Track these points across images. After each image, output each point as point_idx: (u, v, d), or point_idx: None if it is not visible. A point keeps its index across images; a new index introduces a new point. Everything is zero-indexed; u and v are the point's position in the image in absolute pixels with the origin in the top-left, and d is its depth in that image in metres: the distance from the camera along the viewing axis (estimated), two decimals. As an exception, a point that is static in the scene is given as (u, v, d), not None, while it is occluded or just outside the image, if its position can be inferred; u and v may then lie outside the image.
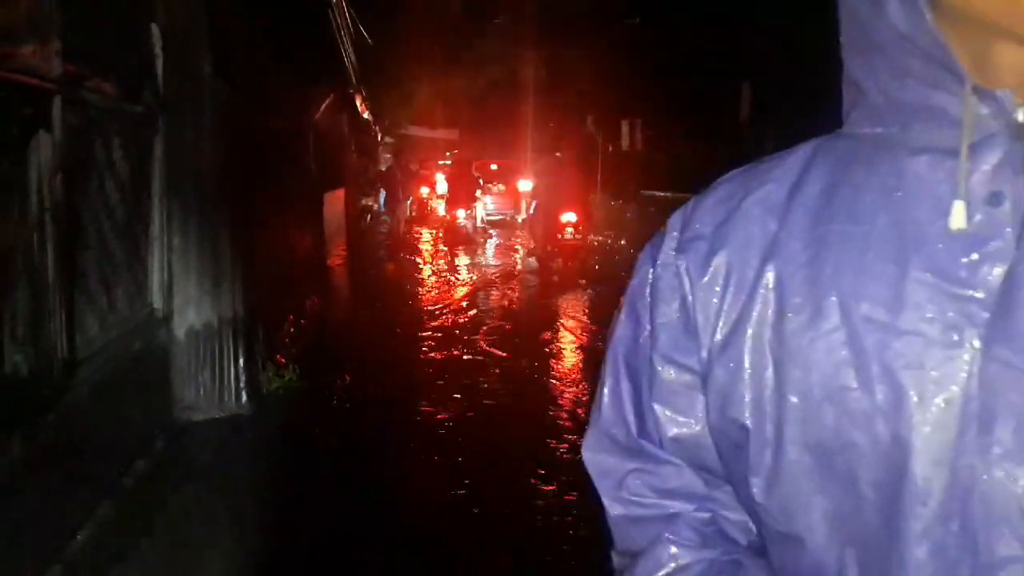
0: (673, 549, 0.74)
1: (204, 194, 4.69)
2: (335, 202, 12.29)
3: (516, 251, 13.28)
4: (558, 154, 13.59)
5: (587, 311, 8.64)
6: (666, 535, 0.75)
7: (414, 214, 18.76)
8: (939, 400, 0.56)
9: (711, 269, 0.69)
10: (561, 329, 7.87)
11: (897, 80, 0.61)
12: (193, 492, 3.89)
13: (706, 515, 0.75)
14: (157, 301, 4.55)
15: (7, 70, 2.89)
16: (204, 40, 4.68)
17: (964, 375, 0.55)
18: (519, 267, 11.77)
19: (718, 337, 0.68)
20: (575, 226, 10.91)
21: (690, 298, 0.70)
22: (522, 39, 20.87)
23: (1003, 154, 0.56)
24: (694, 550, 0.74)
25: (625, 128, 20.16)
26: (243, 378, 4.90)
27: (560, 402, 5.42)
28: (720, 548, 0.74)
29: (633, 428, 0.77)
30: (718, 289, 0.69)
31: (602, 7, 17.38)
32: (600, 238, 15.53)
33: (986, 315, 0.55)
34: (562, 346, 7.22)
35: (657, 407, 0.74)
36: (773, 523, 0.66)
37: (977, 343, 0.55)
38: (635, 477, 0.76)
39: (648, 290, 0.75)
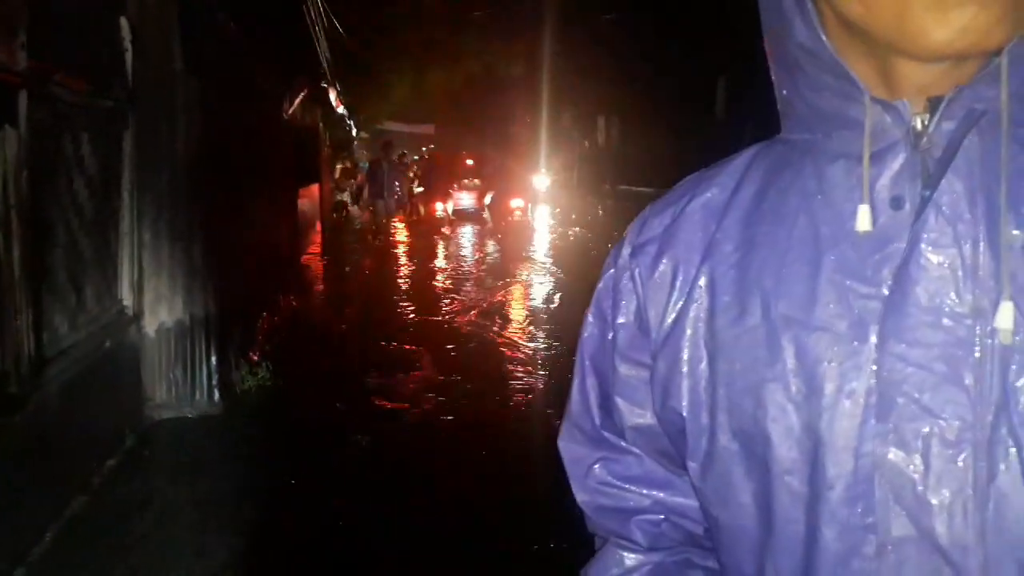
0: (621, 553, 0.82)
1: (175, 189, 4.64)
2: (309, 196, 12.22)
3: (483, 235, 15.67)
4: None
5: (529, 273, 11.52)
6: (616, 538, 0.83)
7: (411, 212, 17.68)
8: (845, 392, 0.59)
9: (659, 270, 0.74)
10: (513, 283, 10.37)
11: (815, 92, 0.64)
12: (163, 491, 3.86)
13: (658, 516, 0.81)
14: (127, 298, 4.50)
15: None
16: (175, 33, 4.62)
17: (867, 368, 0.59)
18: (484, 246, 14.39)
19: (662, 333, 0.73)
20: (522, 210, 14.80)
21: (642, 299, 0.75)
22: (499, 34, 20.83)
23: (904, 160, 0.61)
24: (642, 553, 0.81)
25: (601, 123, 20.20)
26: (215, 376, 4.86)
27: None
28: (668, 549, 0.81)
29: (598, 420, 0.82)
30: (665, 289, 0.73)
31: (579, 3, 17.38)
32: (576, 230, 15.61)
33: (883, 311, 0.59)
34: (512, 298, 9.38)
35: (619, 400, 0.79)
36: (708, 506, 0.71)
37: (875, 338, 0.59)
38: (600, 466, 0.83)
39: (610, 293, 0.79)
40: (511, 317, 8.21)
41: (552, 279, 10.83)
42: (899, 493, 0.58)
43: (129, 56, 4.42)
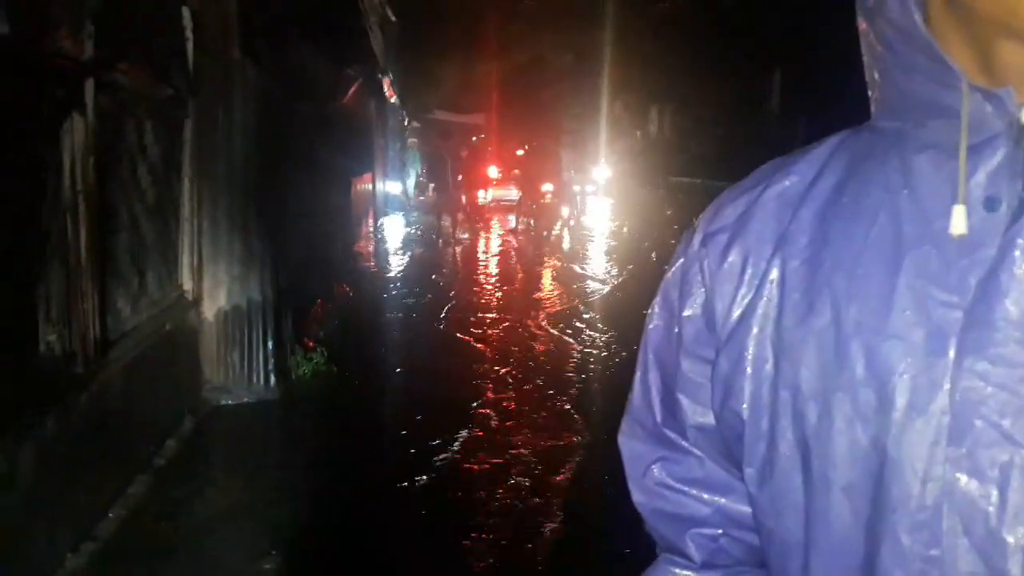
0: (673, 571, 0.79)
1: (233, 177, 4.72)
2: (363, 186, 12.33)
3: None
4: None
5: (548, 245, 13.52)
6: (669, 553, 0.80)
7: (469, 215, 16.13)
8: (918, 408, 0.55)
9: (728, 261, 0.70)
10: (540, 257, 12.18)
11: (907, 75, 0.60)
12: (222, 473, 3.94)
13: (716, 531, 0.77)
14: (187, 283, 4.59)
15: (40, 53, 2.92)
16: (234, 23, 4.69)
17: (944, 384, 0.54)
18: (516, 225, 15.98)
19: (727, 328, 0.69)
20: (552, 194, 16.14)
21: (710, 291, 0.71)
22: (551, 22, 20.74)
23: (1004, 156, 0.55)
24: (694, 571, 0.78)
25: (654, 114, 20.02)
26: (271, 361, 4.94)
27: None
28: (724, 567, 0.77)
29: (659, 417, 0.79)
30: (733, 281, 0.69)
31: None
32: (622, 225, 15.52)
33: (965, 323, 0.54)
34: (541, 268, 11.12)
35: (682, 398, 0.76)
36: (762, 516, 0.67)
37: (953, 352, 0.54)
38: (660, 466, 0.79)
39: (678, 283, 0.76)
40: (560, 309, 8.20)
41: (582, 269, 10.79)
42: (969, 526, 0.52)
43: (190, 45, 4.50)
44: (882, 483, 0.56)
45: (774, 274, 0.66)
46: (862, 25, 0.64)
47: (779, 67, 12.55)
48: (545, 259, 11.94)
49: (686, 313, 0.74)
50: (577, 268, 10.95)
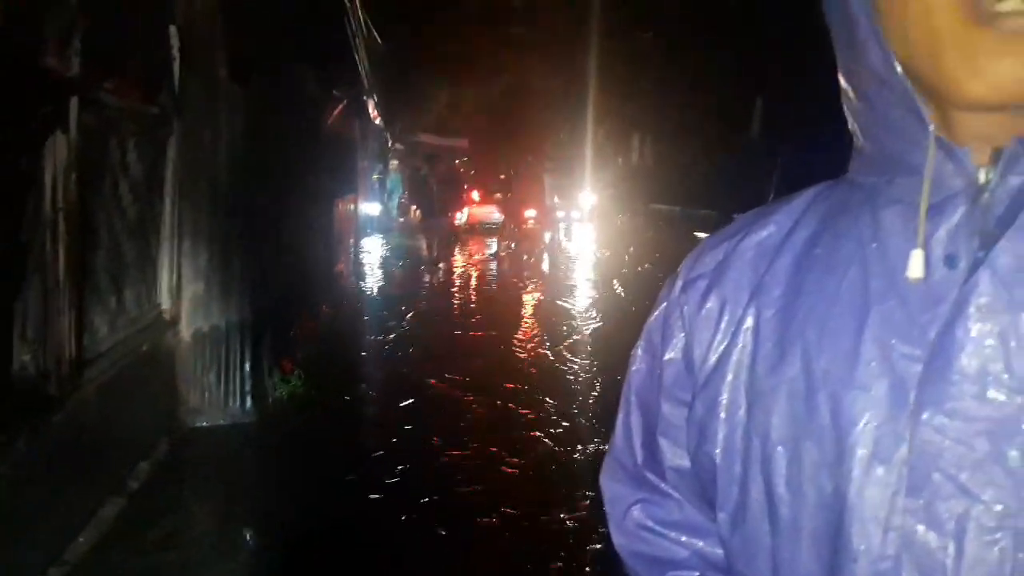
0: None
1: (216, 196, 4.69)
2: (345, 207, 12.29)
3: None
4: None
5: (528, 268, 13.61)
6: None
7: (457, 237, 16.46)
8: (879, 458, 0.56)
9: (706, 307, 0.72)
10: (521, 277, 12.40)
11: (882, 130, 0.62)
12: (195, 497, 3.88)
13: (693, 573, 0.77)
14: (166, 303, 4.54)
15: (26, 69, 2.89)
16: (220, 42, 4.69)
17: (904, 436, 0.55)
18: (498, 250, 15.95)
19: (704, 373, 0.70)
20: (535, 219, 16.45)
21: (689, 335, 0.73)
22: (536, 50, 20.92)
23: (962, 214, 0.57)
24: None
25: (636, 142, 20.19)
26: (248, 383, 4.89)
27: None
28: None
29: (640, 459, 0.81)
30: (711, 327, 0.71)
31: (614, 21, 17.41)
32: (605, 252, 15.60)
33: (924, 376, 0.55)
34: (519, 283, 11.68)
35: (662, 440, 0.77)
36: (734, 560, 0.67)
37: (912, 405, 0.55)
38: (639, 508, 0.81)
39: (660, 327, 0.78)
40: (540, 330, 8.20)
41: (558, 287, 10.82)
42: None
43: (176, 64, 4.48)
44: (844, 532, 0.57)
45: (749, 322, 0.68)
46: (843, 81, 0.66)
47: (761, 96, 12.70)
48: (526, 282, 12.00)
49: (667, 357, 0.76)
50: (559, 296, 10.97)
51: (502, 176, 21.37)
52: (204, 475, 4.13)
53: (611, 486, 0.84)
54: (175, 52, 4.46)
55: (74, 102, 3.25)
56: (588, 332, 8.20)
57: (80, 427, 3.37)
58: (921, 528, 0.54)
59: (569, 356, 7.03)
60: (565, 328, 8.33)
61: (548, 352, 7.18)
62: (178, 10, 4.46)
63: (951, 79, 0.53)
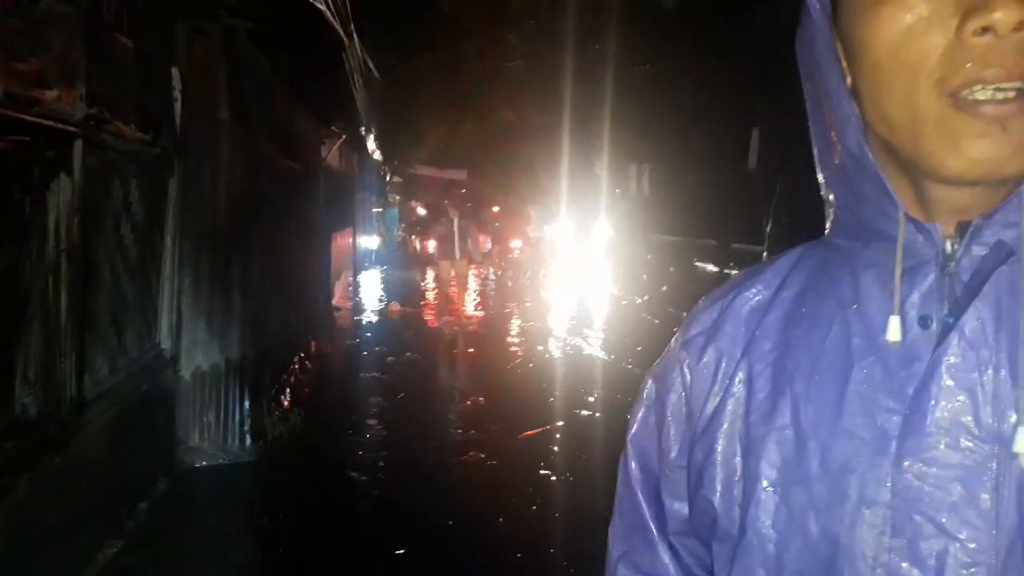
0: None
1: (216, 236, 4.72)
2: (343, 241, 12.34)
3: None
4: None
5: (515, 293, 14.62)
6: None
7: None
8: (866, 501, 0.61)
9: (704, 360, 0.77)
10: (506, 302, 13.42)
11: (856, 202, 0.68)
12: (193, 537, 3.86)
13: None
14: (165, 342, 4.55)
15: (33, 114, 2.93)
16: (222, 83, 4.74)
17: (887, 481, 0.60)
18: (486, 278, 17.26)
19: (701, 422, 0.75)
20: (520, 249, 18.27)
21: (689, 388, 0.78)
22: (534, 83, 21.07)
23: (932, 281, 0.63)
24: None
25: (633, 172, 20.27)
26: (247, 422, 4.88)
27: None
28: None
29: (645, 512, 0.84)
30: (708, 379, 0.76)
31: (611, 54, 17.58)
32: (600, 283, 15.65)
33: (904, 428, 0.61)
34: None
35: (663, 489, 0.81)
36: None
37: (894, 454, 0.61)
38: (625, 562, 0.84)
39: (662, 382, 0.82)
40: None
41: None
42: None
43: (178, 105, 4.53)
44: (836, 568, 0.61)
45: (742, 375, 0.73)
46: (817, 155, 0.72)
47: (757, 126, 12.78)
48: (512, 304, 12.83)
49: (669, 410, 0.80)
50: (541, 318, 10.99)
51: (496, 208, 21.73)
52: (203, 515, 4.12)
53: (611, 538, 0.87)
54: (177, 94, 4.51)
55: (79, 145, 3.29)
56: (587, 355, 8.21)
57: (80, 468, 3.37)
58: (905, 565, 0.59)
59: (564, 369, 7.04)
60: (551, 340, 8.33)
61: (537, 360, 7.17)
62: (180, 53, 4.52)
63: (932, 156, 0.58)
